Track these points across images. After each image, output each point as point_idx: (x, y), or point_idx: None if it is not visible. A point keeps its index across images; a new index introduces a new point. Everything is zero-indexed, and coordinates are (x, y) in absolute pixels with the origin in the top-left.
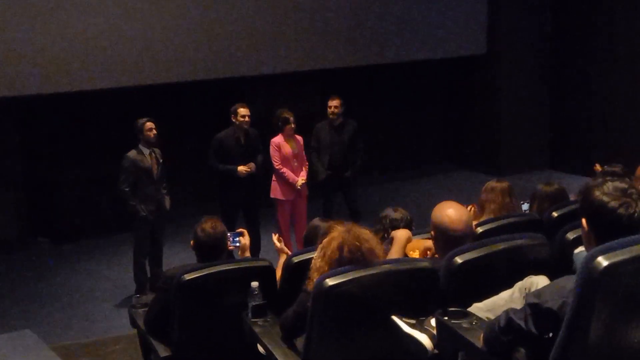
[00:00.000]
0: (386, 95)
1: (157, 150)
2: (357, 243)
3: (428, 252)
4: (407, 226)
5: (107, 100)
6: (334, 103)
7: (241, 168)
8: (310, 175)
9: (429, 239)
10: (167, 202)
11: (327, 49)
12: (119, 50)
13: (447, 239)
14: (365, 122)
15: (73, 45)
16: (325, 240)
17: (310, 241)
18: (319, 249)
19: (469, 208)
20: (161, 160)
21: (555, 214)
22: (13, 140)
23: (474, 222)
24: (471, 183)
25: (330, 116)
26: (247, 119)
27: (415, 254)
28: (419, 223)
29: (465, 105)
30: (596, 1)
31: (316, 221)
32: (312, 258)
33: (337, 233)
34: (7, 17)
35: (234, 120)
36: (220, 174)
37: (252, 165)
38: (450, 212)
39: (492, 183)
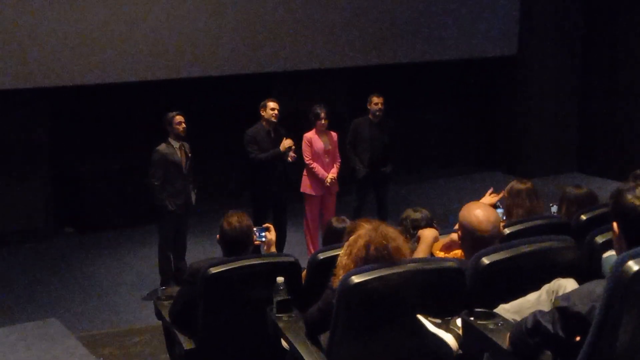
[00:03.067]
0: (414, 95)
1: (186, 144)
2: (384, 242)
3: (452, 247)
4: (429, 225)
5: (135, 93)
6: (380, 100)
7: (284, 144)
8: (348, 172)
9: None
10: (194, 197)
11: (355, 46)
12: (147, 44)
13: (475, 240)
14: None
15: (102, 38)
16: (351, 238)
17: (329, 241)
18: (345, 246)
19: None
20: (190, 155)
21: (583, 217)
22: (41, 131)
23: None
24: (498, 185)
25: (377, 112)
26: (276, 112)
27: (442, 254)
28: (445, 224)
29: (493, 106)
30: (627, 4)
31: (333, 222)
32: (337, 255)
33: (364, 231)
34: (36, 9)
35: (263, 113)
36: (265, 161)
37: (291, 142)
38: (478, 213)
39: (517, 185)
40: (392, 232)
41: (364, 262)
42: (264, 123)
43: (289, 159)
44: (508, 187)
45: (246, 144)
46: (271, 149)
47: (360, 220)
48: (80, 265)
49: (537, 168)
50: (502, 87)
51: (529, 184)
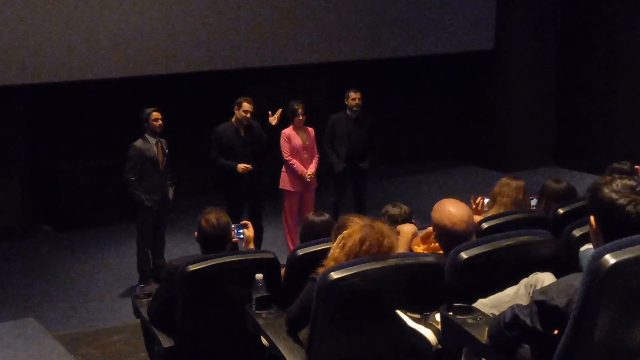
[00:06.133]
0: (392, 90)
1: (163, 141)
2: (380, 238)
3: (430, 239)
4: (407, 221)
5: (112, 90)
6: (357, 95)
7: (241, 166)
8: (325, 167)
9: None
10: (171, 193)
11: (334, 42)
12: (124, 41)
13: (450, 237)
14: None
15: (79, 35)
16: (346, 232)
17: (307, 236)
18: (338, 239)
19: (478, 200)
20: (167, 151)
21: (561, 211)
22: (18, 129)
23: (485, 214)
24: (477, 179)
25: (354, 108)
26: (248, 115)
27: (420, 249)
28: (424, 218)
29: (471, 101)
30: None
31: (311, 216)
32: (316, 251)
33: (360, 226)
34: (16, 5)
35: (235, 112)
36: (221, 168)
37: (249, 166)
38: (450, 213)
39: (508, 179)
40: (387, 229)
41: (355, 257)
42: (234, 121)
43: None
44: (500, 179)
45: (212, 143)
46: (239, 147)
47: (351, 215)
48: (57, 264)
49: (514, 162)
50: (480, 82)
51: (520, 182)
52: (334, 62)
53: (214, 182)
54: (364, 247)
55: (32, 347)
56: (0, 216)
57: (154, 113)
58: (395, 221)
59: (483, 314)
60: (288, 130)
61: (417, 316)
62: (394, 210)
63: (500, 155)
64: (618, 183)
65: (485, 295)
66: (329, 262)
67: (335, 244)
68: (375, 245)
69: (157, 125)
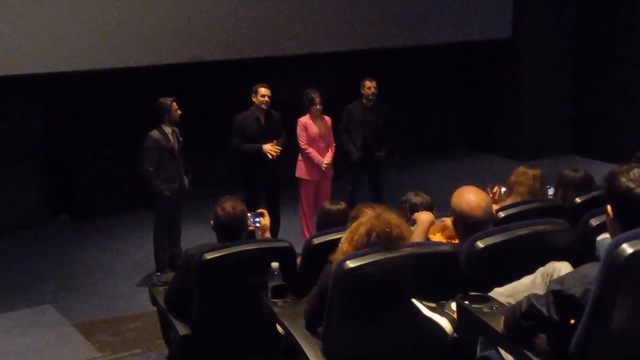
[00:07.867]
0: (409, 79)
1: (177, 130)
2: (387, 229)
3: (445, 230)
4: (428, 210)
5: (129, 78)
6: (372, 84)
7: (266, 147)
8: (342, 156)
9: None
10: (187, 182)
11: (349, 31)
12: (140, 29)
13: (467, 224)
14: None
15: (96, 24)
16: (353, 225)
17: (324, 225)
18: (347, 232)
19: (495, 189)
20: (181, 140)
21: (578, 200)
22: (35, 118)
23: (502, 204)
24: (493, 167)
25: (370, 97)
26: (266, 99)
27: (437, 237)
28: (441, 207)
29: (488, 89)
30: None
31: (327, 205)
32: (332, 240)
33: (366, 218)
34: None
35: (254, 99)
36: (244, 154)
37: (276, 145)
38: (469, 198)
39: (524, 168)
40: (394, 219)
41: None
42: (254, 109)
43: (269, 155)
44: (516, 169)
45: (232, 131)
46: (260, 135)
47: (362, 205)
48: (75, 253)
49: (532, 151)
50: (497, 70)
51: (537, 171)
52: (348, 51)
53: (234, 171)
54: (372, 238)
55: (50, 335)
56: (18, 206)
57: (174, 103)
58: (415, 210)
59: (499, 303)
60: (305, 119)
61: (433, 305)
62: (415, 199)
63: (517, 144)
64: (635, 172)
65: (501, 284)
66: (339, 256)
67: (343, 237)
68: (384, 236)
69: (178, 115)
